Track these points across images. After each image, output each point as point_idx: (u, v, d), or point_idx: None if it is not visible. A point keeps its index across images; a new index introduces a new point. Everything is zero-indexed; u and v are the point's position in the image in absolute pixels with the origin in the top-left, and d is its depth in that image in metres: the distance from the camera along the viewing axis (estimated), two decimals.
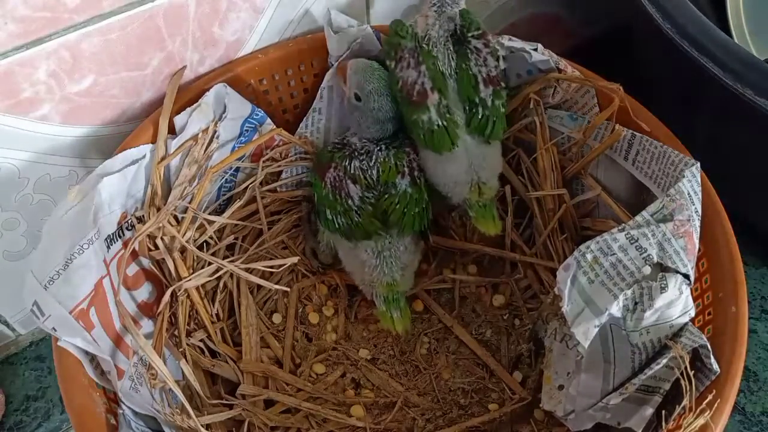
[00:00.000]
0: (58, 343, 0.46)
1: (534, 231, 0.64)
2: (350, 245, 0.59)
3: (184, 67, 0.58)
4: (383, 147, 0.58)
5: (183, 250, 0.55)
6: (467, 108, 0.56)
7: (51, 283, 0.46)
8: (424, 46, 0.55)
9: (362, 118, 0.58)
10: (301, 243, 0.66)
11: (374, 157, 0.57)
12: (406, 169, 0.57)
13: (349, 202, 0.57)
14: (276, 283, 0.63)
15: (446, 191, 0.58)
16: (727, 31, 0.79)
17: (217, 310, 0.59)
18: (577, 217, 0.60)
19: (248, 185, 0.61)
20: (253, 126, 0.60)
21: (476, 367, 0.62)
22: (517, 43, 0.59)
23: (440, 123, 0.55)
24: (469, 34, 0.56)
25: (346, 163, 0.57)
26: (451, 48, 0.56)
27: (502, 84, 0.57)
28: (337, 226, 0.58)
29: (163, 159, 0.55)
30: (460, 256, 0.67)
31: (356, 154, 0.57)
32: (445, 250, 0.66)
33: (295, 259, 0.56)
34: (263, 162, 0.61)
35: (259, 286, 0.63)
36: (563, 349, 0.56)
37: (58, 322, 0.46)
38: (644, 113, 0.56)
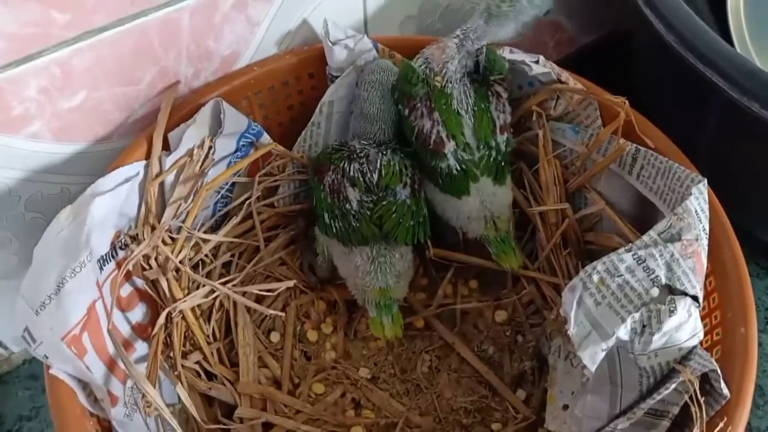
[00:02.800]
0: (50, 371, 0.45)
1: (537, 245, 0.63)
2: (345, 250, 0.58)
3: (178, 81, 0.57)
4: (388, 151, 0.57)
5: (178, 270, 0.54)
6: (480, 147, 0.56)
7: (42, 308, 0.45)
8: (436, 84, 0.55)
9: (355, 109, 0.58)
10: (299, 258, 0.65)
11: (377, 160, 0.56)
12: (408, 180, 0.56)
13: (347, 206, 0.56)
14: (273, 300, 0.63)
15: (460, 226, 0.59)
16: (727, 36, 0.78)
17: (214, 330, 0.58)
18: (581, 231, 0.59)
19: (244, 201, 0.60)
20: (250, 141, 0.58)
21: (478, 385, 0.60)
22: (518, 55, 0.58)
23: (459, 168, 0.55)
24: (492, 78, 0.56)
25: (345, 165, 0.56)
26: (468, 84, 0.56)
27: (512, 131, 0.58)
28: (334, 231, 0.57)
29: (157, 176, 0.53)
30: (461, 269, 0.66)
31: (355, 156, 0.56)
32: (446, 263, 0.65)
33: (290, 283, 0.55)
34: (259, 177, 0.60)
35: None
36: (568, 367, 0.55)
37: (49, 350, 0.45)
38: (649, 128, 0.55)
